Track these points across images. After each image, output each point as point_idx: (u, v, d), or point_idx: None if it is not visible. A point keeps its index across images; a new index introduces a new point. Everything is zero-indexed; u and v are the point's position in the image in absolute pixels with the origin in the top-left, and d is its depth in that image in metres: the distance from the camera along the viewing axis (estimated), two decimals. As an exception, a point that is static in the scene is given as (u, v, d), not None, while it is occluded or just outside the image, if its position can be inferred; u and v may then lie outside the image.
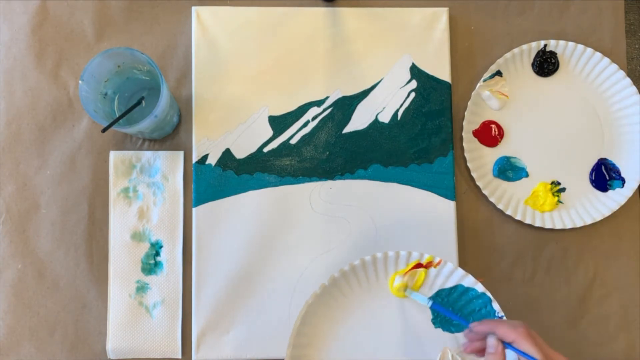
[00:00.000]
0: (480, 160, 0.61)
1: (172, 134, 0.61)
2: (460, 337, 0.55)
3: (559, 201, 0.61)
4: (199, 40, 0.61)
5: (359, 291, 0.56)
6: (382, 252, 0.54)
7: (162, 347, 0.58)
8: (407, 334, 0.56)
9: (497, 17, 0.63)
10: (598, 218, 0.60)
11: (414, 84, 0.61)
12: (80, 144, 0.60)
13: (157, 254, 0.59)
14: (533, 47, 0.61)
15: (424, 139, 0.61)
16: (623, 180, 0.61)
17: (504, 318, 0.53)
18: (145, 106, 0.57)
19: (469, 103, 0.61)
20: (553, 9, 0.64)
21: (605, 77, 0.62)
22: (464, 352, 0.49)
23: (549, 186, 0.61)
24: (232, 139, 0.60)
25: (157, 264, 0.59)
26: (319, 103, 0.61)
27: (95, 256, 0.59)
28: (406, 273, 0.55)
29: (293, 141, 0.60)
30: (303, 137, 0.60)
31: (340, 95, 0.61)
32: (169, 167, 0.60)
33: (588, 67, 0.62)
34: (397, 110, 0.61)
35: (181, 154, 0.60)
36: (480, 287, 0.54)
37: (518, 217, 0.60)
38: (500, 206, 0.60)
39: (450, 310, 0.55)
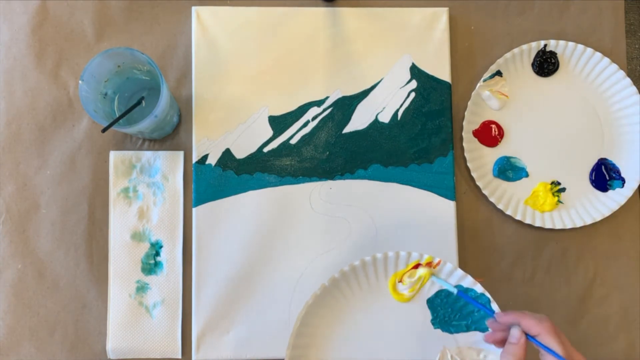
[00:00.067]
0: (480, 160, 0.61)
1: (172, 134, 0.61)
2: (460, 337, 0.55)
3: (559, 201, 0.61)
4: (199, 40, 0.61)
5: (358, 292, 0.56)
6: (382, 252, 0.54)
7: (162, 347, 0.58)
8: (407, 334, 0.56)
9: (497, 17, 0.63)
10: (598, 218, 0.60)
11: (414, 84, 0.61)
12: (80, 144, 0.60)
13: (157, 254, 0.59)
14: (533, 47, 0.61)
15: (424, 139, 0.61)
16: (623, 180, 0.61)
17: None
18: (145, 106, 0.57)
19: (469, 103, 0.61)
20: (553, 9, 0.64)
21: (605, 77, 0.62)
22: (485, 341, 0.49)
23: (549, 186, 0.61)
24: (232, 139, 0.60)
25: (157, 264, 0.59)
26: (319, 103, 0.61)
27: (95, 256, 0.59)
28: (404, 274, 0.55)
29: (293, 141, 0.60)
30: (303, 137, 0.60)
31: (340, 95, 0.61)
32: (169, 167, 0.60)
33: (588, 67, 0.62)
34: (397, 110, 0.61)
35: (181, 154, 0.60)
36: (479, 288, 0.54)
37: (518, 217, 0.60)
38: (500, 206, 0.60)
39: (452, 315, 0.55)
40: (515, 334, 0.46)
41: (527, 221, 0.60)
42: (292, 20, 0.61)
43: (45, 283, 0.59)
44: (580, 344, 0.60)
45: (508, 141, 0.62)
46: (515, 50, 0.61)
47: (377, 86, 0.61)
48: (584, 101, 0.63)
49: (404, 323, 0.56)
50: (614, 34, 0.64)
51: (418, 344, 0.56)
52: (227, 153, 0.60)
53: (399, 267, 0.55)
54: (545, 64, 0.62)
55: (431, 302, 0.56)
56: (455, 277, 0.54)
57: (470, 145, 0.61)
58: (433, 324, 0.56)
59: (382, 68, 0.61)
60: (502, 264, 0.61)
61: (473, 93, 0.61)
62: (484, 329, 0.54)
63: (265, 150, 0.60)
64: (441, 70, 0.61)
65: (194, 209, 0.59)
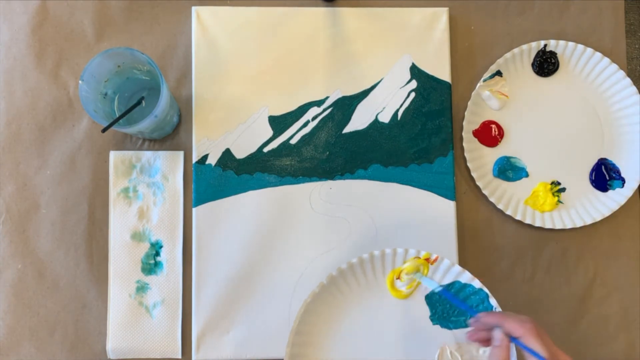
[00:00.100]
0: (480, 160, 0.61)
1: (172, 134, 0.61)
2: (459, 334, 0.55)
3: (559, 201, 0.61)
4: (199, 40, 0.61)
5: (357, 289, 0.56)
6: (380, 250, 0.55)
7: (162, 347, 0.58)
8: (406, 331, 0.56)
9: (497, 17, 0.63)
10: (598, 218, 0.60)
11: (414, 84, 0.61)
12: (80, 144, 0.60)
13: (157, 254, 0.59)
14: (533, 47, 0.61)
15: (424, 139, 0.61)
16: (623, 180, 0.61)
17: None
18: (145, 106, 0.57)
19: (469, 103, 0.61)
20: (553, 9, 0.64)
21: (605, 77, 0.62)
22: (468, 339, 0.49)
23: (549, 186, 0.61)
24: (232, 139, 0.60)
25: (157, 264, 0.59)
26: (319, 103, 0.61)
27: (95, 256, 0.59)
28: (402, 271, 0.55)
29: (293, 141, 0.60)
30: (303, 137, 0.60)
31: (340, 95, 0.61)
32: (169, 167, 0.60)
33: (588, 67, 0.62)
34: (397, 110, 0.61)
35: (181, 154, 0.60)
36: (477, 283, 0.54)
37: (518, 217, 0.60)
38: (500, 206, 0.60)
39: (450, 310, 0.55)
40: (498, 336, 0.45)
41: (527, 221, 0.60)
42: (292, 20, 0.61)
43: (45, 283, 0.59)
44: (580, 344, 0.60)
45: (508, 141, 0.62)
46: (515, 50, 0.61)
47: (377, 86, 0.61)
48: (584, 101, 0.63)
49: (403, 320, 0.56)
50: (614, 34, 0.64)
51: (417, 340, 0.56)
52: (227, 153, 0.60)
53: (396, 264, 0.55)
54: (545, 64, 0.62)
55: (429, 299, 0.56)
56: (453, 273, 0.55)
57: (470, 145, 0.61)
58: (432, 320, 0.56)
59: (382, 68, 0.61)
60: (502, 264, 0.61)
61: (473, 93, 0.61)
62: None
63: (265, 150, 0.60)
64: (441, 70, 0.61)
65: (194, 209, 0.59)
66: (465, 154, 0.60)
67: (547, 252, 0.61)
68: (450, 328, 0.56)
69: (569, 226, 0.60)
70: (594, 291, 0.61)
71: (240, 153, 0.60)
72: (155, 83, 0.56)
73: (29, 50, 0.61)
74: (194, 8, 0.61)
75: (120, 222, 0.59)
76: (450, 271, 0.55)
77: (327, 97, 0.61)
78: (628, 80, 0.61)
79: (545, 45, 0.62)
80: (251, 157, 0.60)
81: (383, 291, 0.56)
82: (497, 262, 0.61)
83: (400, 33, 0.62)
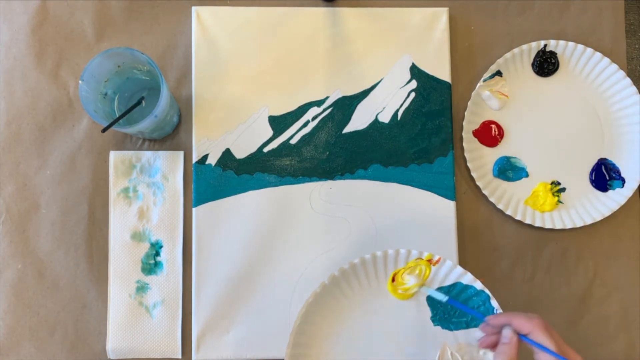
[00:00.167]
0: (480, 160, 0.61)
1: (172, 134, 0.61)
2: (460, 335, 0.55)
3: (559, 201, 0.61)
4: (199, 40, 0.61)
5: (358, 290, 0.56)
6: (382, 250, 0.54)
7: (162, 347, 0.58)
8: (407, 332, 0.56)
9: (497, 17, 0.63)
10: (598, 218, 0.60)
11: (414, 84, 0.61)
12: (80, 144, 0.60)
13: (157, 254, 0.59)
14: (533, 47, 0.61)
15: (424, 139, 0.61)
16: (623, 180, 0.61)
17: None
18: (145, 106, 0.57)
19: (469, 103, 0.61)
20: (553, 9, 0.64)
21: (605, 77, 0.62)
22: (480, 346, 0.49)
23: (549, 186, 0.61)
24: (232, 139, 0.60)
25: (157, 264, 0.59)
26: (319, 103, 0.61)
27: (95, 256, 0.59)
28: (403, 272, 0.55)
29: (293, 141, 0.60)
30: (303, 137, 0.60)
31: (340, 95, 0.61)
32: (169, 167, 0.60)
33: (588, 67, 0.62)
34: (397, 110, 0.61)
35: (181, 154, 0.60)
36: (479, 285, 0.54)
37: (518, 217, 0.60)
38: (500, 206, 0.60)
39: (452, 312, 0.55)
40: (506, 334, 0.46)
41: (527, 221, 0.60)
42: (292, 20, 0.61)
43: (45, 283, 0.59)
44: (580, 344, 0.60)
45: (508, 141, 0.62)
46: (515, 50, 0.61)
47: (377, 86, 0.61)
48: (584, 101, 0.63)
49: (404, 320, 0.56)
50: (614, 34, 0.64)
51: (418, 341, 0.56)
52: (227, 153, 0.60)
53: (398, 265, 0.55)
54: (545, 64, 0.62)
55: (431, 300, 0.56)
56: (455, 275, 0.55)
57: (470, 145, 0.61)
58: (433, 321, 0.56)
59: (382, 68, 0.61)
60: (502, 264, 0.61)
61: (473, 93, 0.61)
62: None
63: (265, 150, 0.60)
64: (441, 70, 0.61)
65: (194, 209, 0.59)
66: (465, 154, 0.60)
67: (547, 252, 0.61)
68: (451, 329, 0.56)
69: (569, 226, 0.60)
70: (594, 291, 0.61)
71: (240, 153, 0.60)
72: (155, 83, 0.56)
73: (29, 50, 0.61)
74: (194, 8, 0.61)
75: (120, 222, 0.59)
76: (452, 273, 0.55)
77: (327, 97, 0.61)
78: (628, 80, 0.61)
79: (545, 45, 0.62)
80: (251, 157, 0.60)
81: (384, 292, 0.56)
82: (497, 262, 0.61)
83: (400, 33, 0.62)
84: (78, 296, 0.59)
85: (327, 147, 0.60)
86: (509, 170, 0.61)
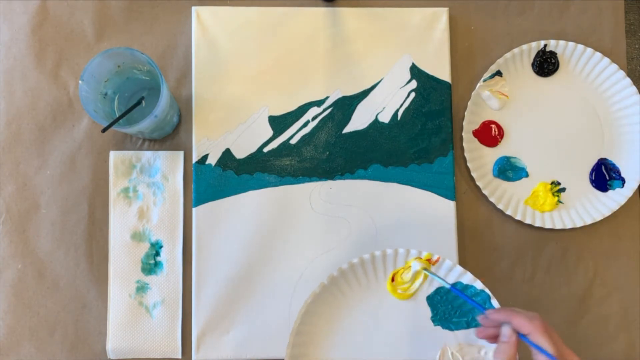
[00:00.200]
0: (480, 160, 0.61)
1: (172, 134, 0.61)
2: (460, 335, 0.55)
3: (559, 201, 0.61)
4: (199, 40, 0.61)
5: (358, 290, 0.56)
6: (381, 250, 0.54)
7: (162, 347, 0.58)
8: (407, 332, 0.56)
9: (497, 17, 0.63)
10: (598, 218, 0.60)
11: (414, 84, 0.61)
12: (80, 144, 0.60)
13: (157, 254, 0.59)
14: (533, 47, 0.61)
15: (424, 139, 0.61)
16: (623, 180, 0.61)
17: None
18: (145, 106, 0.57)
19: (469, 103, 0.61)
20: (553, 9, 0.64)
21: (605, 77, 0.62)
22: (477, 336, 0.49)
23: (549, 186, 0.61)
24: (232, 139, 0.60)
25: (157, 264, 0.59)
26: (319, 103, 0.61)
27: (95, 256, 0.59)
28: (402, 272, 0.55)
29: (293, 141, 0.60)
30: (303, 137, 0.60)
31: (340, 95, 0.61)
32: (169, 167, 0.60)
33: (588, 67, 0.62)
34: (397, 110, 0.61)
35: (181, 154, 0.60)
36: (479, 284, 0.54)
37: (518, 217, 0.60)
38: (500, 206, 0.60)
39: (452, 312, 0.55)
40: (506, 332, 0.45)
41: (527, 221, 0.60)
42: (292, 20, 0.61)
43: (45, 283, 0.59)
44: (580, 344, 0.60)
45: (508, 141, 0.62)
46: (515, 50, 0.61)
47: (377, 86, 0.61)
48: (584, 101, 0.63)
49: (404, 321, 0.56)
50: (614, 34, 0.64)
51: (418, 341, 0.56)
52: (227, 153, 0.60)
53: (397, 265, 0.55)
54: (545, 64, 0.62)
55: (431, 300, 0.56)
56: (454, 274, 0.55)
57: (470, 145, 0.61)
58: (433, 321, 0.56)
59: (382, 68, 0.61)
60: (502, 263, 0.61)
61: (473, 93, 0.61)
62: None
63: (265, 150, 0.60)
64: (441, 70, 0.61)
65: (194, 209, 0.59)
66: (465, 154, 0.60)
67: (547, 252, 0.61)
68: (451, 329, 0.56)
69: (569, 226, 0.60)
70: (594, 291, 0.61)
71: (240, 153, 0.60)
72: (155, 83, 0.56)
73: (29, 50, 0.61)
74: (194, 8, 0.61)
75: (120, 222, 0.59)
76: (451, 272, 0.55)
77: (327, 97, 0.61)
78: (628, 80, 0.61)
79: (545, 45, 0.62)
80: (251, 157, 0.60)
81: (384, 292, 0.56)
82: (497, 262, 0.61)
83: (400, 33, 0.62)
84: (78, 296, 0.59)
85: (327, 147, 0.60)
86: (509, 170, 0.61)
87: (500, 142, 0.62)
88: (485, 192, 0.60)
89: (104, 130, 0.50)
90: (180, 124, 0.61)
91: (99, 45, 0.61)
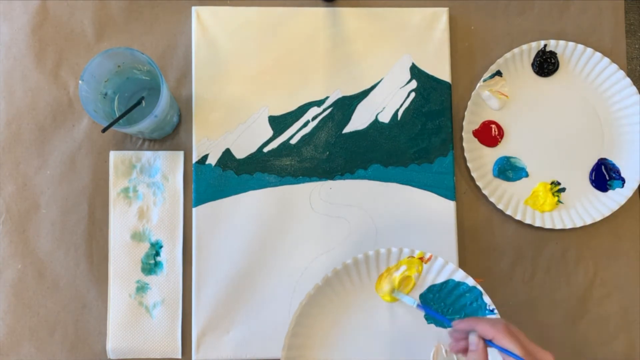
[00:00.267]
0: (480, 160, 0.61)
1: (172, 134, 0.61)
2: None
3: (559, 201, 0.61)
4: (199, 40, 0.61)
5: (352, 290, 0.56)
6: (374, 250, 0.55)
7: (162, 347, 0.58)
8: (401, 330, 0.56)
9: (497, 17, 0.63)
10: (598, 218, 0.60)
11: (414, 84, 0.61)
12: (80, 144, 0.60)
13: (157, 254, 0.59)
14: (533, 47, 0.61)
15: (424, 139, 0.61)
16: (623, 180, 0.61)
17: (495, 311, 0.54)
18: (145, 106, 0.57)
19: (469, 103, 0.61)
20: (553, 9, 0.64)
21: (605, 77, 0.62)
22: (451, 351, 0.50)
23: (549, 186, 0.61)
24: (232, 139, 0.60)
25: (157, 264, 0.59)
26: (319, 103, 0.61)
27: (95, 256, 0.59)
28: (387, 276, 0.56)
29: (293, 141, 0.60)
30: (303, 137, 0.60)
31: (340, 95, 0.61)
32: (169, 167, 0.60)
33: (588, 67, 0.62)
34: (397, 110, 0.61)
35: (181, 154, 0.60)
36: (470, 281, 0.54)
37: (518, 217, 0.60)
38: (500, 206, 0.60)
39: (444, 309, 0.55)
40: (473, 340, 0.46)
41: (527, 221, 0.60)
42: (292, 20, 0.61)
43: (45, 283, 0.59)
44: (580, 344, 0.60)
45: (508, 141, 0.62)
46: (515, 50, 0.61)
47: (377, 86, 0.61)
48: (584, 101, 0.63)
49: (398, 319, 0.56)
50: (614, 34, 0.64)
51: (412, 339, 0.56)
52: (227, 153, 0.60)
53: (391, 264, 0.55)
54: (545, 64, 0.62)
55: (423, 298, 0.56)
56: (446, 272, 0.55)
57: (470, 145, 0.61)
58: (426, 319, 0.56)
59: (382, 68, 0.61)
60: (502, 264, 0.61)
61: (473, 93, 0.61)
62: None
63: (265, 150, 0.60)
64: (441, 70, 0.61)
65: (194, 209, 0.59)
66: (465, 154, 0.60)
67: (547, 252, 0.61)
68: (444, 326, 0.56)
69: (569, 226, 0.60)
70: (594, 291, 0.61)
71: (240, 153, 0.60)
72: (155, 83, 0.56)
73: (29, 50, 0.61)
74: (194, 8, 0.61)
75: (120, 222, 0.59)
76: (444, 269, 0.55)
77: (327, 97, 0.61)
78: (628, 80, 0.61)
79: (545, 45, 0.62)
80: (251, 157, 0.60)
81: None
82: (497, 262, 0.61)
83: (400, 33, 0.62)
84: (78, 296, 0.59)
85: (327, 147, 0.60)
86: (509, 170, 0.61)
87: (500, 142, 0.62)
88: (485, 192, 0.60)
89: (104, 130, 0.50)
90: (180, 124, 0.61)
91: (99, 45, 0.61)
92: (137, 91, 0.58)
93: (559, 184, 0.62)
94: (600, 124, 0.62)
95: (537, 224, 0.60)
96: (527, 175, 0.62)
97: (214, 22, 0.61)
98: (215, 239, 0.59)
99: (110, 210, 0.59)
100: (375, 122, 0.61)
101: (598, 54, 0.61)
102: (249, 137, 0.60)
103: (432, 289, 0.56)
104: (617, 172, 0.62)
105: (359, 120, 0.61)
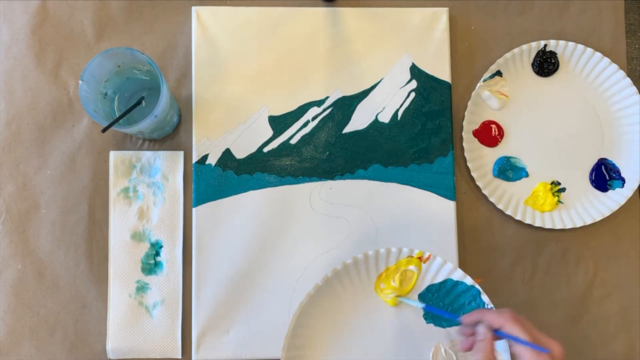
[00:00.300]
0: (480, 160, 0.61)
1: (172, 134, 0.61)
2: (453, 332, 0.55)
3: (559, 201, 0.61)
4: (199, 40, 0.61)
5: (351, 290, 0.56)
6: (374, 249, 0.55)
7: (162, 347, 0.58)
8: (400, 330, 0.56)
9: (497, 17, 0.63)
10: (598, 218, 0.60)
11: (414, 84, 0.61)
12: (80, 144, 0.60)
13: (157, 254, 0.59)
14: (533, 47, 0.61)
15: (424, 139, 0.61)
16: (623, 180, 0.61)
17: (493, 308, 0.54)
18: (145, 106, 0.57)
19: (469, 103, 0.61)
20: (553, 9, 0.64)
21: (605, 77, 0.62)
22: (461, 350, 0.50)
23: (549, 186, 0.61)
24: (232, 139, 0.60)
25: (157, 264, 0.59)
26: (319, 103, 0.61)
27: (95, 256, 0.59)
28: (387, 275, 0.56)
29: (293, 141, 0.60)
30: (303, 137, 0.60)
31: (340, 95, 0.61)
32: (169, 167, 0.60)
33: (588, 67, 0.62)
34: (397, 110, 0.61)
35: (181, 154, 0.60)
36: (469, 281, 0.54)
37: (518, 217, 0.60)
38: (500, 206, 0.60)
39: (443, 309, 0.56)
40: (481, 330, 0.46)
41: (527, 221, 0.60)
42: (292, 20, 0.61)
43: (45, 283, 0.59)
44: (580, 344, 0.60)
45: (508, 141, 0.62)
46: (515, 50, 0.61)
47: (377, 86, 0.61)
48: (584, 101, 0.63)
49: (397, 319, 0.56)
50: (614, 34, 0.64)
51: (411, 339, 0.56)
52: (227, 153, 0.60)
53: (390, 264, 0.55)
54: (545, 64, 0.62)
55: (422, 297, 0.56)
56: (445, 271, 0.55)
57: (470, 145, 0.61)
58: (425, 318, 0.56)
59: (382, 68, 0.61)
60: (502, 264, 0.61)
61: (473, 93, 0.61)
62: None
63: (265, 150, 0.60)
64: (441, 70, 0.61)
65: (194, 209, 0.59)
66: (465, 154, 0.60)
67: (547, 252, 0.61)
68: (443, 326, 0.56)
69: (569, 226, 0.60)
70: (594, 291, 0.61)
71: (240, 153, 0.60)
72: (155, 83, 0.56)
73: (29, 50, 0.61)
74: (194, 8, 0.61)
75: (120, 222, 0.59)
76: (442, 269, 0.55)
77: (327, 97, 0.61)
78: (628, 80, 0.61)
79: (545, 45, 0.62)
80: (251, 157, 0.60)
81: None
82: (497, 262, 0.61)
83: (400, 33, 0.62)
84: (78, 296, 0.59)
85: (327, 147, 0.60)
86: (509, 170, 0.61)
87: (500, 142, 0.62)
88: (485, 192, 0.60)
89: (104, 130, 0.50)
90: (180, 124, 0.61)
91: (99, 45, 0.61)
92: (137, 91, 0.58)
93: (559, 184, 0.62)
94: (600, 124, 0.62)
95: (537, 224, 0.60)
96: (527, 175, 0.62)
97: (214, 22, 0.61)
98: (215, 239, 0.59)
99: (110, 210, 0.59)
100: (375, 122, 0.61)
101: (598, 54, 0.61)
102: (249, 137, 0.60)
103: (430, 288, 0.56)
104: (617, 172, 0.62)
105: (359, 120, 0.61)
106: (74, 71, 0.61)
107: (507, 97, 0.62)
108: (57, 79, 0.61)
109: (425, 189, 0.60)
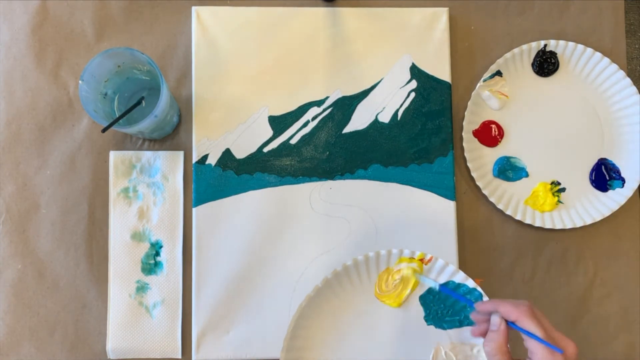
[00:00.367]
0: (480, 160, 0.61)
1: (172, 134, 0.61)
2: (453, 334, 0.55)
3: (559, 201, 0.61)
4: (199, 40, 0.61)
5: (351, 291, 0.56)
6: (374, 250, 0.55)
7: (162, 347, 0.58)
8: (401, 331, 0.56)
9: (497, 17, 0.63)
10: (598, 218, 0.60)
11: (414, 84, 0.61)
12: (80, 144, 0.60)
13: (157, 254, 0.59)
14: (533, 47, 0.61)
15: (424, 139, 0.61)
16: (623, 180, 0.61)
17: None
18: (145, 106, 0.57)
19: (469, 103, 0.61)
20: (553, 9, 0.64)
21: (605, 77, 0.62)
22: (472, 335, 0.49)
23: (549, 186, 0.61)
24: (232, 139, 0.60)
25: (157, 264, 0.59)
26: (319, 103, 0.61)
27: (95, 256, 0.59)
28: (389, 277, 0.55)
29: (293, 141, 0.60)
30: (303, 137, 0.60)
31: (340, 95, 0.61)
32: (169, 167, 0.60)
33: (588, 67, 0.62)
34: (397, 110, 0.61)
35: (181, 154, 0.60)
36: (471, 283, 0.54)
37: (518, 217, 0.60)
38: (500, 206, 0.60)
39: (444, 311, 0.55)
40: (494, 321, 0.46)
41: (527, 221, 0.60)
42: (292, 20, 0.61)
43: (45, 283, 0.59)
44: (580, 344, 0.60)
45: (508, 141, 0.62)
46: (515, 50, 0.61)
47: (377, 86, 0.61)
48: (584, 101, 0.63)
49: (397, 321, 0.56)
50: (614, 34, 0.64)
51: (412, 341, 0.56)
52: (227, 153, 0.60)
53: (391, 265, 0.55)
54: (545, 64, 0.62)
55: (423, 299, 0.56)
56: (447, 273, 0.55)
57: (470, 145, 0.61)
58: (426, 320, 0.56)
59: (382, 68, 0.61)
60: (502, 264, 0.61)
61: (473, 93, 0.61)
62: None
63: (265, 150, 0.60)
64: (441, 70, 0.61)
65: (194, 209, 0.59)
66: (465, 154, 0.60)
67: (547, 252, 0.61)
68: (444, 328, 0.56)
69: (569, 226, 0.60)
70: (594, 291, 0.61)
71: (240, 153, 0.60)
72: (155, 83, 0.56)
73: (29, 50, 0.61)
74: (194, 8, 0.61)
75: (120, 222, 0.59)
76: (444, 271, 0.55)
77: (327, 97, 0.61)
78: (628, 80, 0.61)
79: (545, 45, 0.62)
80: (251, 157, 0.60)
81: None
82: (497, 262, 0.61)
83: (400, 33, 0.62)
84: (78, 296, 0.59)
85: (327, 147, 0.60)
86: (509, 170, 0.61)
87: (500, 142, 0.62)
88: (485, 192, 0.60)
89: (104, 130, 0.50)
90: (180, 124, 0.61)
91: (99, 45, 0.61)
92: (137, 91, 0.58)
93: (559, 184, 0.62)
94: (600, 124, 0.62)
95: (537, 224, 0.60)
96: (527, 175, 0.62)
97: (214, 22, 0.61)
98: (215, 239, 0.59)
99: (110, 210, 0.59)
100: (375, 122, 0.61)
101: (598, 54, 0.61)
102: (249, 137, 0.60)
103: (431, 290, 0.56)
104: (617, 172, 0.62)
105: (359, 120, 0.61)
106: (74, 71, 0.61)
107: (507, 97, 0.62)
108: (57, 79, 0.61)
109: (425, 189, 0.60)
